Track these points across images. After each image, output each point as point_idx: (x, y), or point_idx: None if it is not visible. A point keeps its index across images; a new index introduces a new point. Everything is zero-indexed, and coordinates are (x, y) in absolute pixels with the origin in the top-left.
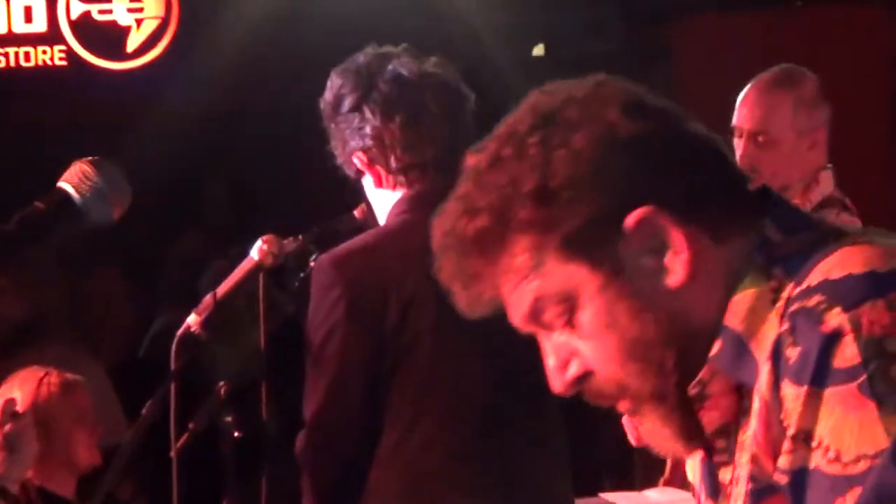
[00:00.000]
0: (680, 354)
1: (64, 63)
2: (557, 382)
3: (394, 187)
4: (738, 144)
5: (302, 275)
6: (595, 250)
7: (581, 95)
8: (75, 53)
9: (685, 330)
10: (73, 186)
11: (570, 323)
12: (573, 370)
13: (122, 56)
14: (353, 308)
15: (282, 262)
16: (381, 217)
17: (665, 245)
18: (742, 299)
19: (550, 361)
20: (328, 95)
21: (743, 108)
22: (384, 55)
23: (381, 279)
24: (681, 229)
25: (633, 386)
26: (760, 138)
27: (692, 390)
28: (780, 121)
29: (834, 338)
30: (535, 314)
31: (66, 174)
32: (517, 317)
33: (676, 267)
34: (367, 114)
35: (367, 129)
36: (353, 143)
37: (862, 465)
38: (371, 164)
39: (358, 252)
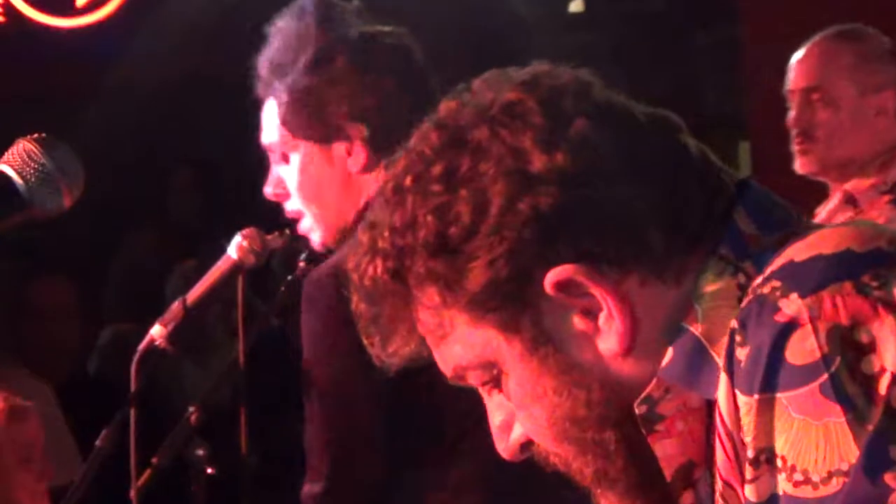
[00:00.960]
0: (624, 433)
1: (1, 19)
2: (502, 446)
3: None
4: (793, 109)
5: (289, 277)
6: (508, 314)
7: (497, 107)
8: (14, 7)
9: (628, 404)
10: (15, 169)
11: (499, 387)
12: (516, 435)
13: (70, 11)
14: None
15: (265, 261)
16: (347, 211)
17: (596, 306)
18: (704, 298)
19: (493, 421)
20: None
21: (796, 67)
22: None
23: None
24: (612, 287)
25: (574, 466)
26: (815, 95)
27: (638, 409)
28: (837, 74)
29: (787, 329)
30: (459, 377)
31: (6, 155)
32: (446, 373)
33: (611, 331)
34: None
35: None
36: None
37: (835, 484)
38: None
39: None
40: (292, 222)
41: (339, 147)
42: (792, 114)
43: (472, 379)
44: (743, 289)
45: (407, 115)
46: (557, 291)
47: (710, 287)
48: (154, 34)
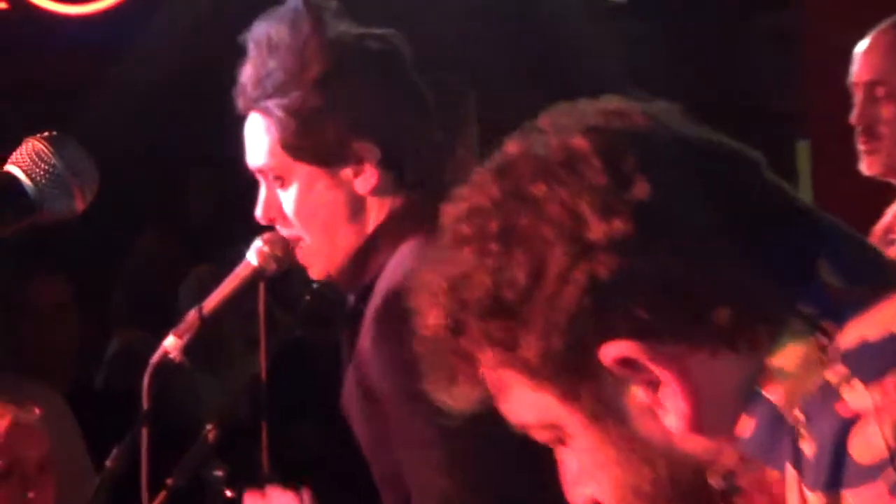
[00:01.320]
0: None
1: (4, 6)
2: (573, 498)
3: (393, 195)
4: (856, 105)
5: (314, 285)
6: (566, 383)
7: (558, 159)
8: None
9: (697, 479)
10: (24, 170)
11: (566, 445)
12: (587, 491)
13: None
14: None
15: (287, 268)
16: (352, 237)
17: (657, 380)
18: (782, 361)
19: (564, 468)
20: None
21: (860, 59)
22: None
23: None
24: (673, 365)
25: None
26: (879, 90)
27: (716, 483)
28: None
29: (850, 423)
30: (527, 432)
31: (15, 155)
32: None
33: (674, 409)
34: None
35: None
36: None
37: None
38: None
39: None
40: None
41: (346, 169)
42: (855, 110)
43: (537, 436)
44: (825, 350)
45: (417, 129)
46: (615, 366)
47: (788, 350)
48: (167, 22)
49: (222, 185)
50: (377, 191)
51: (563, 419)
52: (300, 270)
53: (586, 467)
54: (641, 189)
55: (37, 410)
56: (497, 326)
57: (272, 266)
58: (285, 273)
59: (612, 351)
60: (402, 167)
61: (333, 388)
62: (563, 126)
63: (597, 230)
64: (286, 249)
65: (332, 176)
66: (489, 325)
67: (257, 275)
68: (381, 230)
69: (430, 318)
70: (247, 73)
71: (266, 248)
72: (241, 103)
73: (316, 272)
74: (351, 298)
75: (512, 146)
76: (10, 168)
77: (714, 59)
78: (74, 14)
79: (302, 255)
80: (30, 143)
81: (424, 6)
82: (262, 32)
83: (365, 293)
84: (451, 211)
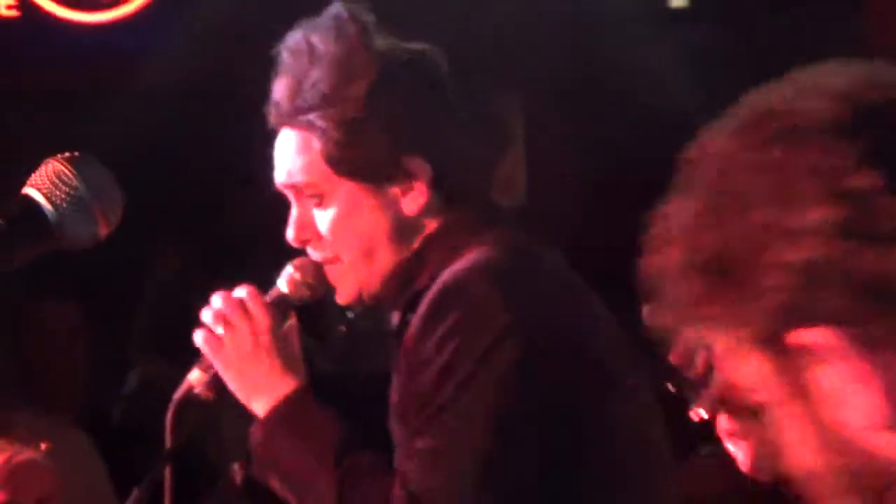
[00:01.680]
0: None
1: (14, 13)
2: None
3: (438, 213)
4: None
5: (350, 315)
6: (769, 358)
7: (801, 121)
8: (31, 0)
9: (882, 479)
10: (44, 194)
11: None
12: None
13: (94, 4)
14: (531, 354)
15: (321, 296)
16: (392, 260)
17: (853, 372)
18: None
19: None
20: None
21: None
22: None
23: (561, 321)
24: (871, 356)
25: None
26: None
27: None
28: None
29: None
30: (732, 396)
31: (34, 176)
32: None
33: (866, 402)
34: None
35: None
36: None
37: None
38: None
39: (521, 274)
40: None
41: (394, 186)
42: None
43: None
44: None
45: (464, 145)
46: (813, 351)
47: None
48: (188, 29)
49: (251, 204)
50: (424, 210)
51: (764, 389)
52: (334, 299)
53: (778, 443)
54: (869, 177)
55: (42, 446)
56: (717, 292)
57: (304, 293)
58: (318, 301)
59: (811, 336)
60: (451, 184)
61: (371, 426)
62: (810, 91)
63: (815, 213)
64: (319, 276)
65: (377, 194)
66: (703, 285)
67: (287, 303)
68: (427, 246)
69: (670, 253)
70: (283, 85)
71: (298, 275)
72: (274, 118)
73: (346, 294)
74: (395, 316)
75: (759, 102)
76: (29, 191)
77: (781, 66)
78: (87, 22)
79: (334, 276)
80: (50, 165)
81: (475, 14)
82: (302, 42)
83: (413, 301)
84: (692, 155)
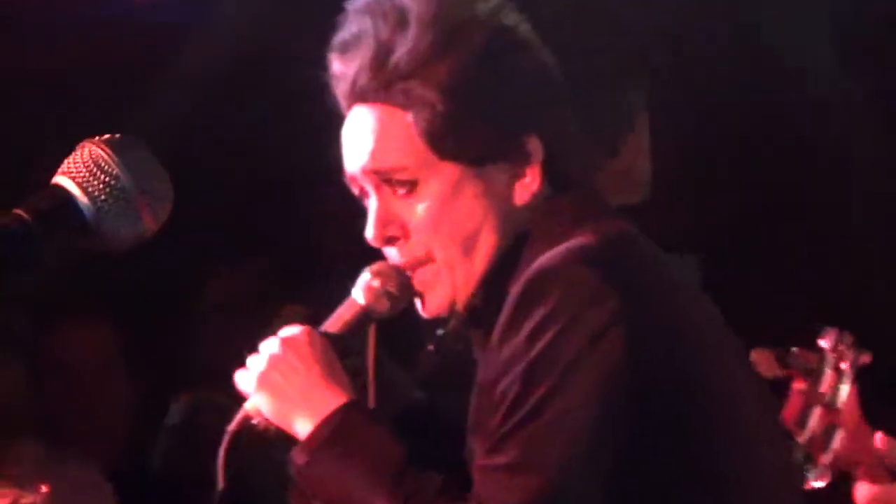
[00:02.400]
0: None
1: None
2: None
3: (546, 199)
4: None
5: (440, 332)
6: None
7: None
8: None
9: None
10: (79, 183)
11: None
12: None
13: None
14: (636, 346)
15: (403, 308)
16: (491, 255)
17: None
18: None
19: None
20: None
21: None
22: None
23: (669, 311)
24: None
25: None
26: None
27: None
28: None
29: None
30: None
31: (68, 162)
32: None
33: None
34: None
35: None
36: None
37: None
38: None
39: (622, 259)
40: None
41: (500, 169)
42: None
43: None
44: None
45: (572, 124)
46: None
47: None
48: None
49: (319, 203)
50: (533, 199)
51: None
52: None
53: None
54: None
55: (43, 489)
56: None
57: (384, 305)
58: (401, 315)
59: None
60: (559, 170)
61: (459, 462)
62: None
63: None
64: (402, 283)
65: (484, 178)
66: None
67: (366, 317)
68: (523, 242)
69: None
70: (360, 54)
71: (376, 283)
72: (347, 94)
73: (437, 303)
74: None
75: None
76: (61, 180)
77: None
78: None
79: (423, 280)
80: (86, 148)
81: None
82: (382, 4)
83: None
84: None
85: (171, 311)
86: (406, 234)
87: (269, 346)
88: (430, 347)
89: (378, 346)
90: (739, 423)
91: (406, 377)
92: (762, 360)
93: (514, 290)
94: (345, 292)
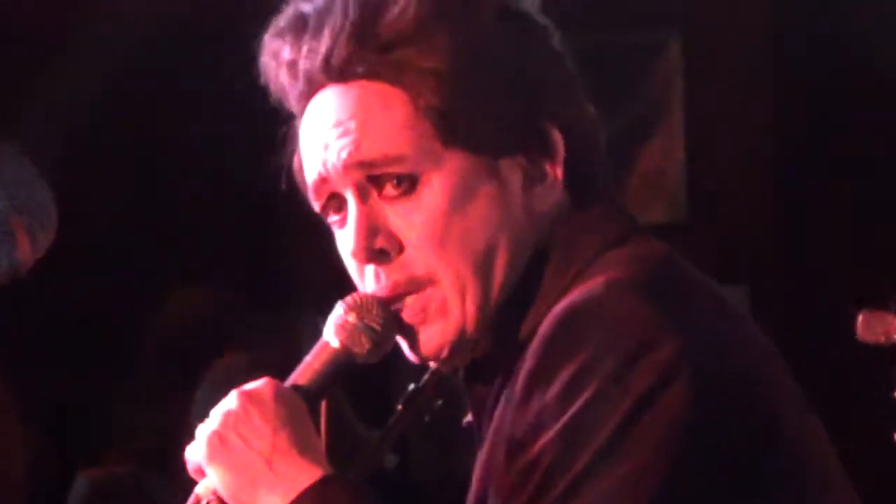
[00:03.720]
0: None
1: None
2: None
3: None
4: None
5: (411, 387)
6: None
7: None
8: None
9: None
10: None
11: None
12: None
13: None
14: (704, 400)
15: (386, 351)
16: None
17: None
18: None
19: None
20: None
21: None
22: None
23: (735, 349)
24: None
25: None
26: None
27: None
28: None
29: None
30: None
31: None
32: None
33: None
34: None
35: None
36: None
37: None
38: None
39: (673, 289)
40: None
41: (517, 165)
42: None
43: None
44: None
45: (595, 115)
46: None
47: None
48: None
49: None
50: (557, 206)
51: None
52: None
53: None
54: None
55: None
56: None
57: (364, 345)
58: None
59: None
60: (579, 171)
61: None
62: None
63: None
64: (387, 317)
65: (499, 177)
66: None
67: (342, 362)
68: (550, 258)
69: None
70: (330, 26)
71: (352, 318)
72: (315, 75)
73: (437, 340)
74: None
75: None
76: None
77: None
78: None
79: (420, 309)
80: None
81: None
82: None
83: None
84: None
85: (79, 352)
86: (399, 248)
87: (226, 403)
88: (399, 406)
89: (339, 402)
90: (815, 466)
91: (374, 438)
92: (874, 322)
93: (544, 327)
94: (314, 333)
